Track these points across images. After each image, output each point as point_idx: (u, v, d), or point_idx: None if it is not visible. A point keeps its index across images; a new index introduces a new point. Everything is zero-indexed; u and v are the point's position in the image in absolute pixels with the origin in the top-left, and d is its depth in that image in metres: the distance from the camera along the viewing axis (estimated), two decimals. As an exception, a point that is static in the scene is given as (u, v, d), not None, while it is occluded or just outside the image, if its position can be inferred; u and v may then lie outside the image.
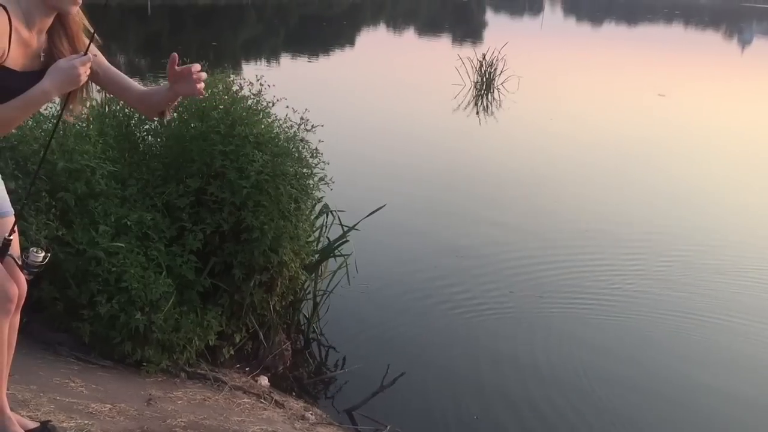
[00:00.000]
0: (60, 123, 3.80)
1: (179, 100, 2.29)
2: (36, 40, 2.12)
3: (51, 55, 2.17)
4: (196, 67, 2.14)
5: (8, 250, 2.21)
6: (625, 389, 4.67)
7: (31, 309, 2.50)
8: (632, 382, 4.75)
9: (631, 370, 4.90)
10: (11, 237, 2.21)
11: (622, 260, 6.71)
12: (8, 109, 2.03)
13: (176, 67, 2.14)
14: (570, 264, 6.51)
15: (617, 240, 7.26)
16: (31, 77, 2.12)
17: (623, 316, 5.61)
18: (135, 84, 2.34)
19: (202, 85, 2.16)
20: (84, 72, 2.06)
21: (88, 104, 2.36)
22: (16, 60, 2.06)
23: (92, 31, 2.22)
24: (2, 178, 2.41)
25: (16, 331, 2.42)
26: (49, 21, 2.13)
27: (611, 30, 51.52)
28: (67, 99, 2.23)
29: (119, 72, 2.34)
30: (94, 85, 2.35)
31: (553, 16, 68.92)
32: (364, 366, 4.60)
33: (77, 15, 2.17)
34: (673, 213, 8.24)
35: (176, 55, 2.13)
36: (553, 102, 15.48)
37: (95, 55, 2.20)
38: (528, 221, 7.65)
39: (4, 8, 1.99)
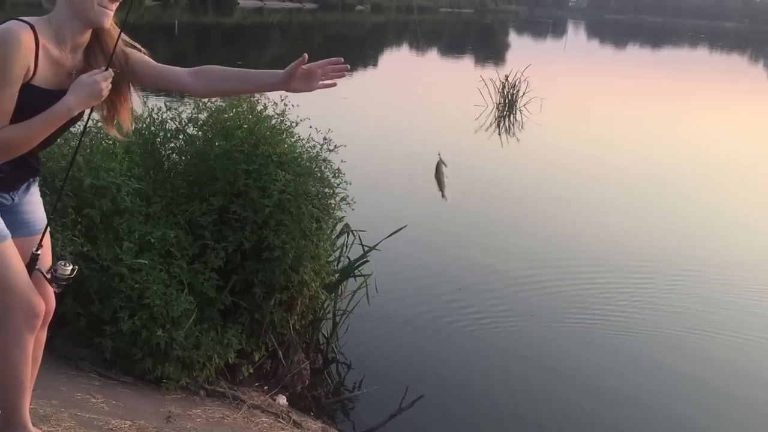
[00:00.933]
0: (86, 140, 3.90)
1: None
2: (70, 58, 2.16)
3: (85, 73, 2.20)
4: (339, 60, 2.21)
5: (36, 265, 2.25)
6: (658, 413, 4.60)
7: (54, 324, 2.52)
8: (662, 408, 4.68)
9: (661, 396, 4.83)
10: (38, 252, 2.25)
11: (646, 285, 6.63)
12: (33, 125, 2.08)
13: (303, 67, 2.16)
14: (592, 288, 6.45)
15: (639, 264, 7.18)
16: (62, 95, 2.16)
17: (651, 344, 5.54)
18: (179, 69, 2.33)
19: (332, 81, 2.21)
20: (106, 86, 2.10)
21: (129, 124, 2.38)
22: (46, 78, 2.09)
23: (137, 45, 2.26)
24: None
25: (42, 347, 2.44)
26: (84, 38, 2.17)
27: (635, 53, 51.41)
28: (89, 114, 2.27)
29: (167, 66, 2.33)
30: (137, 96, 2.37)
31: (576, 38, 68.95)
32: (382, 387, 4.57)
33: (114, 31, 2.20)
34: (694, 239, 8.15)
35: (306, 55, 2.16)
36: (576, 124, 15.46)
37: (129, 58, 2.23)
38: (550, 243, 7.60)
39: (32, 27, 2.03)
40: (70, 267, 2.25)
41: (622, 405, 4.74)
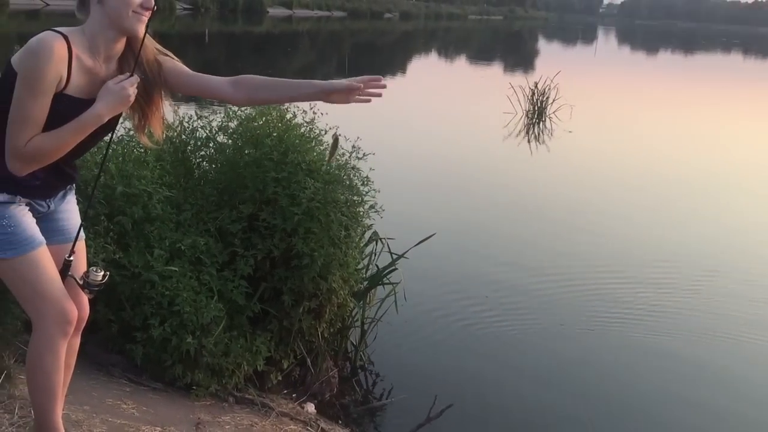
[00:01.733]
0: (119, 148, 3.95)
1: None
2: (104, 68, 2.19)
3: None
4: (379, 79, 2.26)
5: (69, 271, 2.28)
6: (705, 417, 4.52)
7: (86, 330, 2.55)
8: (711, 411, 4.59)
9: (710, 400, 4.76)
10: (71, 258, 2.28)
11: (679, 293, 6.52)
12: (63, 133, 2.11)
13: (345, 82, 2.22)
14: (623, 296, 6.37)
15: (672, 274, 7.06)
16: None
17: (692, 349, 5.46)
18: (213, 77, 2.36)
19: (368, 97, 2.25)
20: (133, 91, 2.13)
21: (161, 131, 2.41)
22: (80, 88, 2.13)
23: (169, 53, 2.29)
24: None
25: (75, 354, 2.47)
26: (118, 48, 2.20)
27: (667, 59, 50.78)
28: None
29: (202, 75, 2.36)
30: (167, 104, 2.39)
31: (606, 44, 68.36)
32: (410, 396, 4.55)
33: (148, 41, 2.23)
34: (725, 246, 8.00)
35: (362, 85, 2.25)
36: (607, 132, 15.30)
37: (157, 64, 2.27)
38: (580, 252, 7.52)
39: (65, 37, 2.07)
40: (102, 273, 2.28)
41: (662, 411, 4.66)
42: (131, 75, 2.16)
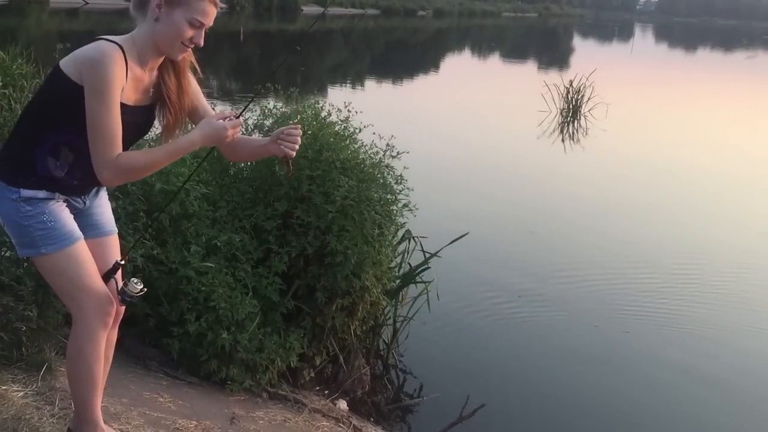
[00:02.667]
0: (156, 146, 4.01)
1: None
2: (147, 76, 2.26)
3: (159, 90, 2.29)
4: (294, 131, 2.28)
5: (116, 273, 2.34)
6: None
7: (124, 324, 2.61)
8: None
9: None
10: (123, 261, 2.35)
11: (717, 295, 6.42)
12: (156, 154, 2.22)
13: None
14: (660, 296, 6.28)
15: (709, 273, 6.95)
16: (140, 111, 2.27)
17: (731, 350, 5.36)
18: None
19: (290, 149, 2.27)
20: (232, 134, 2.21)
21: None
22: (128, 95, 2.19)
23: (198, 69, 2.35)
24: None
25: (113, 346, 2.53)
26: (160, 60, 2.27)
27: (705, 57, 49.85)
28: (164, 130, 2.35)
29: (210, 108, 2.48)
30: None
31: (644, 41, 67.34)
32: (442, 395, 4.55)
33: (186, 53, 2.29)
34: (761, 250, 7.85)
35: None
36: (643, 130, 15.09)
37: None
38: (615, 252, 7.43)
39: (120, 47, 2.12)
40: (141, 286, 2.33)
41: (702, 410, 4.60)
42: (238, 116, 2.25)
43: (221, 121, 2.21)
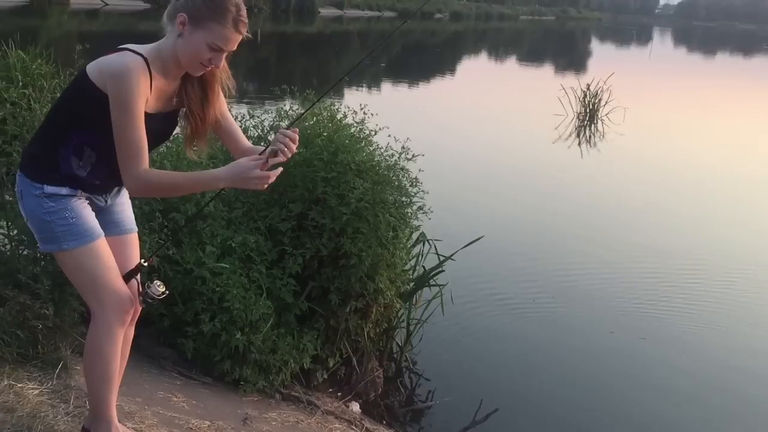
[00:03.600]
0: (173, 146, 4.04)
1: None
2: (171, 85, 2.29)
3: (181, 98, 2.32)
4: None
5: (137, 274, 2.36)
6: None
7: (140, 323, 2.62)
8: None
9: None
10: (146, 264, 2.36)
11: (738, 303, 6.35)
12: (180, 179, 2.28)
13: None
14: (677, 305, 6.23)
15: (729, 280, 6.88)
16: (162, 118, 2.29)
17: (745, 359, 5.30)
18: (242, 136, 2.49)
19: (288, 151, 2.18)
20: (259, 184, 2.17)
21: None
22: (151, 104, 2.22)
23: (231, 89, 2.36)
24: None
25: (129, 344, 2.55)
26: (184, 70, 2.28)
27: (725, 61, 49.41)
28: (188, 135, 2.37)
29: (234, 123, 2.48)
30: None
31: (662, 45, 66.91)
32: (455, 399, 4.54)
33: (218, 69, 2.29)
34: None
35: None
36: (660, 135, 14.99)
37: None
38: (631, 257, 7.38)
39: (144, 59, 2.14)
40: (162, 289, 2.35)
41: (721, 418, 4.56)
42: (270, 169, 2.17)
43: (252, 165, 2.15)
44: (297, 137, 2.20)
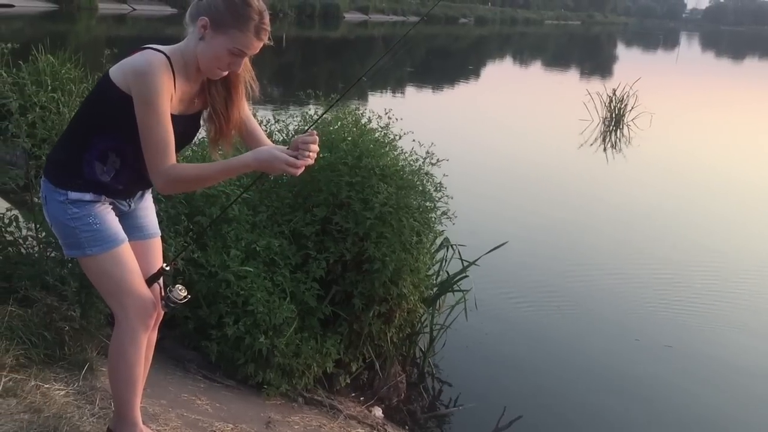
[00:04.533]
0: (199, 150, 4.07)
1: None
2: (194, 86, 2.29)
3: (204, 99, 2.32)
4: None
5: (159, 278, 2.37)
6: None
7: (164, 326, 2.64)
8: None
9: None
10: (168, 267, 2.37)
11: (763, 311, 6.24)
12: (208, 169, 2.22)
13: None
14: (704, 311, 6.13)
15: (760, 288, 6.77)
16: (186, 120, 2.29)
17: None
18: (264, 137, 2.47)
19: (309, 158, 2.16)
20: (284, 169, 2.14)
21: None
22: (174, 105, 2.22)
23: (255, 89, 2.35)
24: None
25: (153, 348, 2.56)
26: (204, 74, 2.28)
27: (754, 65, 48.71)
28: (213, 137, 2.37)
29: (256, 123, 2.48)
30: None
31: (689, 50, 66.17)
32: (478, 405, 4.50)
33: (247, 65, 2.29)
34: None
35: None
36: (687, 141, 14.81)
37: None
38: (659, 264, 7.28)
39: (168, 58, 2.15)
40: (185, 293, 2.35)
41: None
42: (296, 157, 2.13)
43: (281, 150, 2.15)
44: (316, 138, 2.18)
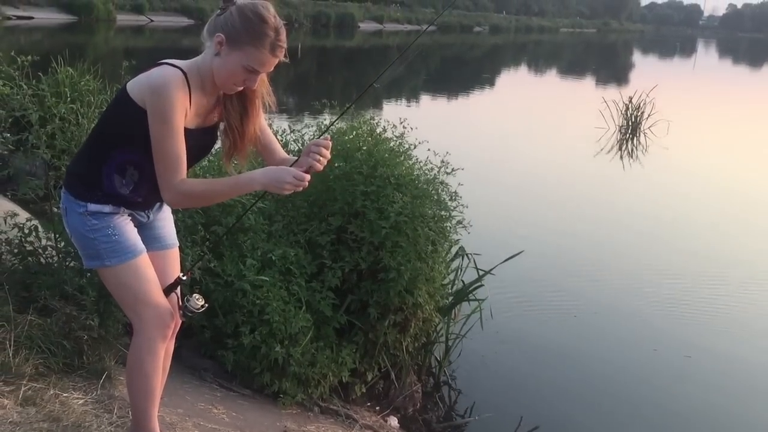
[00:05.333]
0: (215, 160, 4.09)
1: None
2: (210, 100, 2.31)
3: (220, 113, 2.35)
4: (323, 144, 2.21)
5: (176, 287, 2.39)
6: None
7: (181, 335, 2.65)
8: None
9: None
10: (185, 277, 2.39)
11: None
12: (216, 185, 2.26)
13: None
14: (722, 321, 6.07)
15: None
16: (202, 133, 2.32)
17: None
18: (280, 148, 2.49)
19: (319, 162, 2.20)
20: (291, 188, 2.16)
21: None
22: (190, 119, 2.25)
23: (271, 106, 2.36)
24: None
25: (170, 357, 2.58)
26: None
27: (772, 72, 48.17)
28: (227, 151, 2.39)
29: (272, 136, 2.50)
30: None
31: (707, 57, 65.77)
32: (495, 415, 4.48)
33: (264, 80, 2.31)
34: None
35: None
36: (705, 148, 14.69)
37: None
38: (675, 273, 7.22)
39: (184, 74, 2.17)
40: (202, 302, 2.37)
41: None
42: (304, 172, 2.16)
43: (290, 169, 2.17)
44: (329, 143, 2.21)
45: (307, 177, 2.16)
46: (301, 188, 2.17)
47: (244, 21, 2.14)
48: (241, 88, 2.25)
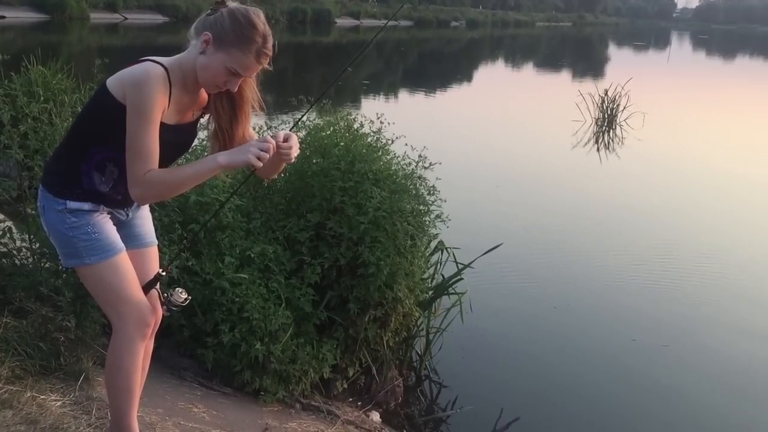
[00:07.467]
0: (192, 158, 4.07)
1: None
2: (190, 98, 2.30)
3: (200, 109, 2.36)
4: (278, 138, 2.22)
5: (156, 284, 2.38)
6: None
7: (160, 334, 2.64)
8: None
9: None
10: (164, 273, 2.38)
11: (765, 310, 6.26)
12: (181, 172, 2.21)
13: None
14: (700, 311, 6.16)
15: (755, 286, 6.79)
16: (181, 129, 2.31)
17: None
18: None
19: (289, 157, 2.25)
20: (255, 157, 2.13)
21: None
22: (170, 115, 2.24)
23: (256, 108, 2.36)
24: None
25: (150, 357, 2.56)
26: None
27: (745, 64, 48.91)
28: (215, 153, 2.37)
29: (255, 136, 2.47)
30: None
31: (680, 49, 66.47)
32: (476, 407, 4.51)
33: (253, 82, 2.31)
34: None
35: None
36: (680, 140, 14.86)
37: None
38: (651, 263, 7.30)
39: (165, 69, 2.17)
40: (185, 296, 2.37)
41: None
42: (264, 141, 2.16)
43: (252, 141, 2.20)
44: (289, 139, 2.24)
45: (272, 141, 2.16)
46: (267, 152, 2.14)
47: (233, 23, 2.15)
48: (223, 89, 2.24)
